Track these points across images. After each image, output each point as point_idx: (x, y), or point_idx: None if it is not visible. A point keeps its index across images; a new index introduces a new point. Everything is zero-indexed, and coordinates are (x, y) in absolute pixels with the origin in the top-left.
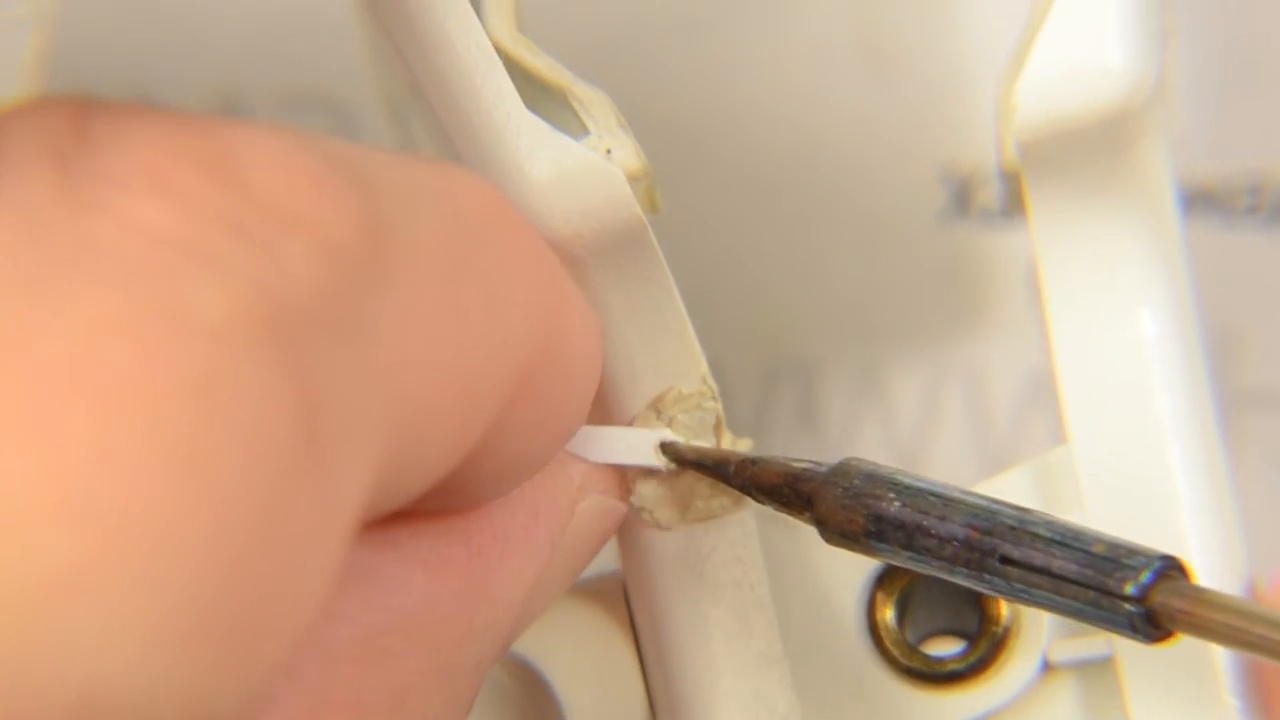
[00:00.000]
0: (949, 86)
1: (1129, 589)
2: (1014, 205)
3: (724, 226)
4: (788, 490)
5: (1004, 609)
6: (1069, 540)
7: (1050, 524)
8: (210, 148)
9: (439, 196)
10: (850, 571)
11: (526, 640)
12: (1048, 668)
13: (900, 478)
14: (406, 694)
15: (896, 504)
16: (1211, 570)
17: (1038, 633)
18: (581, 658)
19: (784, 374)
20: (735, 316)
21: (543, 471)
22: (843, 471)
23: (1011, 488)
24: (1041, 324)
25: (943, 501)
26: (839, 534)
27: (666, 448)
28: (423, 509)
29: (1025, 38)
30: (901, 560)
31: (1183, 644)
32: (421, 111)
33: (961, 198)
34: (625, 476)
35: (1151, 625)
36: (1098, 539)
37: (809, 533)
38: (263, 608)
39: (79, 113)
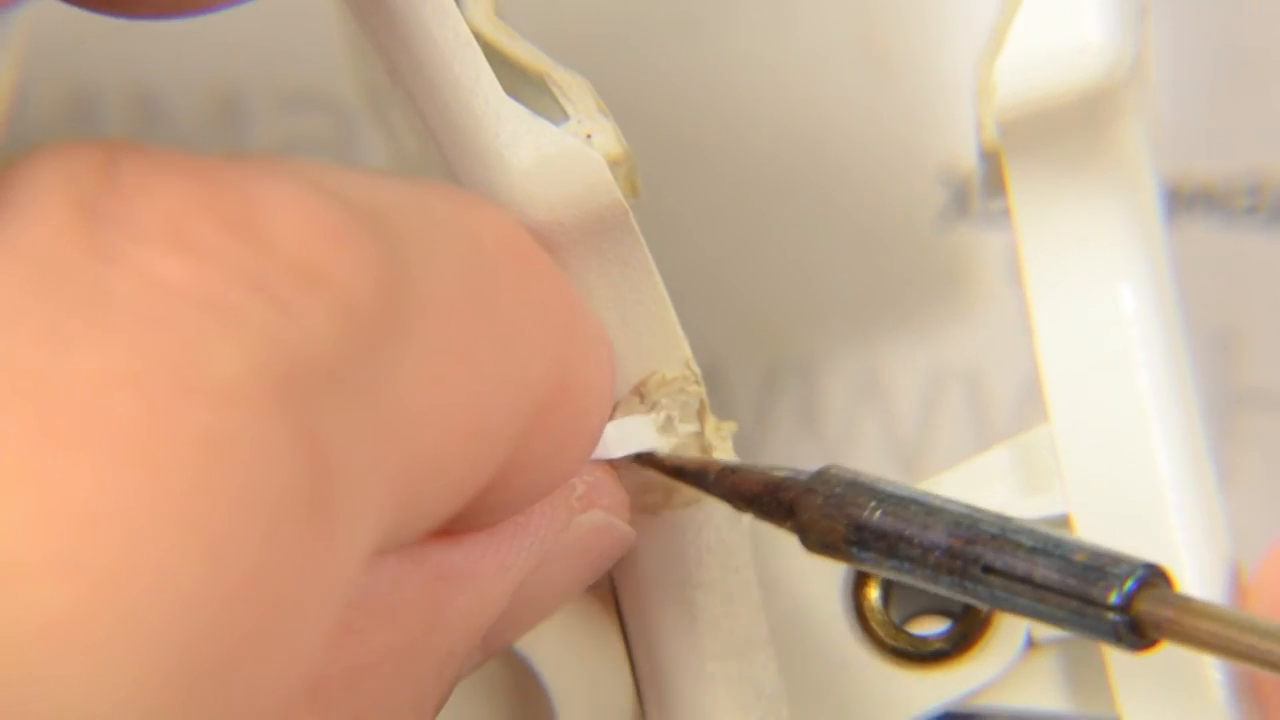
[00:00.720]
0: (949, 86)
1: (1112, 598)
2: (994, 186)
3: (724, 226)
4: (768, 499)
5: None
6: (1051, 549)
7: (1032, 533)
8: (234, 201)
9: (459, 236)
10: None
11: None
12: (1031, 645)
13: (881, 486)
14: (364, 672)
15: (878, 513)
16: (1194, 550)
17: None
18: (568, 644)
19: (784, 374)
20: (735, 316)
21: None
22: (823, 480)
23: (993, 466)
24: (1012, 323)
25: (925, 510)
26: (820, 543)
27: (645, 458)
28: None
29: (1003, 17)
30: (884, 569)
31: None
32: (401, 101)
33: (961, 198)
34: (635, 502)
35: (1135, 634)
36: (1079, 547)
37: None
38: (255, 663)
39: (108, 158)
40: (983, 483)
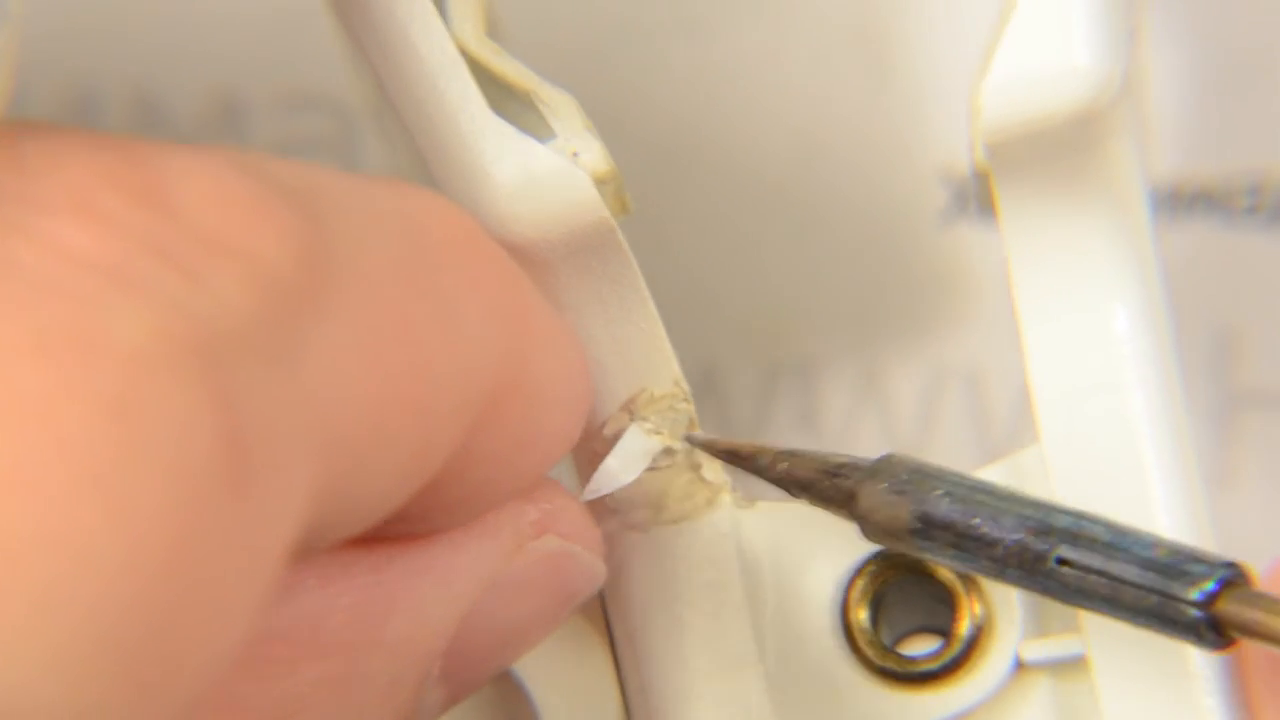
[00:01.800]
0: (949, 87)
1: (1194, 595)
2: (987, 204)
3: (723, 227)
4: (826, 484)
5: (977, 609)
6: (1128, 544)
7: (1109, 526)
8: (142, 173)
9: (396, 220)
10: (824, 572)
11: None
12: (1020, 667)
13: (948, 474)
14: (298, 703)
15: (946, 501)
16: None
17: (1010, 632)
18: (556, 660)
19: (784, 374)
20: (735, 316)
21: None
22: (885, 467)
23: None
24: (1012, 323)
25: (993, 500)
26: (882, 531)
27: (695, 438)
28: (386, 535)
29: (992, 38)
30: (946, 559)
31: (1157, 643)
32: (389, 115)
33: (961, 198)
34: (623, 520)
35: (1216, 633)
36: (1158, 542)
37: (783, 534)
38: (177, 635)
39: (11, 136)
40: None
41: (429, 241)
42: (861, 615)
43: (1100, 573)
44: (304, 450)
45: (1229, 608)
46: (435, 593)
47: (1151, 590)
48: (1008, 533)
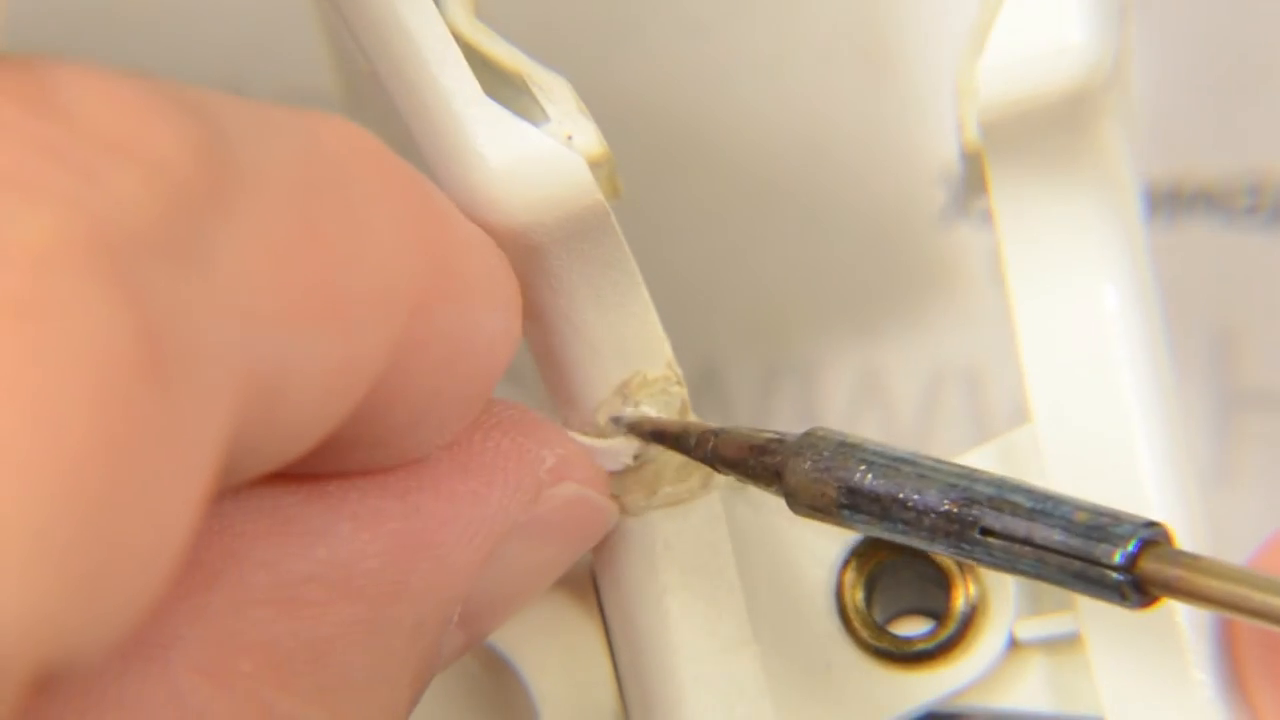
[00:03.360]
0: (949, 87)
1: (1116, 558)
2: (976, 186)
3: (724, 226)
4: (754, 462)
5: (971, 589)
6: (1050, 509)
7: (1030, 492)
8: (33, 82)
9: (295, 132)
10: (818, 553)
11: None
12: (1014, 646)
13: (871, 447)
14: (327, 645)
15: (869, 476)
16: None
17: (1004, 611)
18: (550, 645)
19: (784, 374)
20: (735, 316)
21: (507, 443)
22: (810, 442)
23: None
24: (1004, 301)
25: (918, 471)
26: (809, 507)
27: (622, 421)
28: (358, 465)
29: (984, 18)
30: (877, 531)
31: (1151, 620)
32: (380, 100)
33: (963, 200)
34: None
35: (1140, 593)
36: (1079, 507)
37: (777, 515)
38: (112, 533)
39: None
40: None
41: (332, 154)
42: (856, 596)
43: (1024, 540)
44: (220, 348)
45: (1150, 566)
46: (460, 541)
47: (1074, 555)
48: (932, 504)
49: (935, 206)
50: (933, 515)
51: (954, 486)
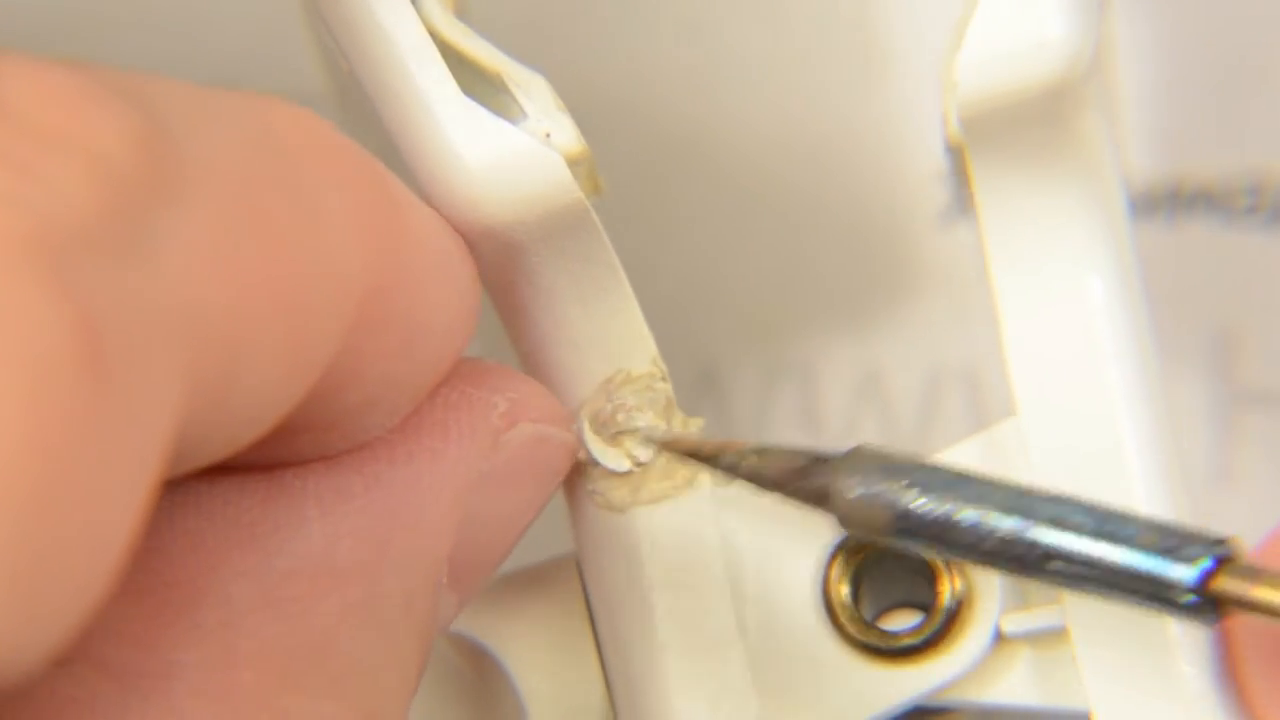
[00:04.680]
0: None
1: (1189, 579)
2: (961, 179)
3: (722, 227)
4: (796, 485)
5: (957, 583)
6: (1115, 530)
7: (1091, 512)
8: None
9: (243, 120)
10: (804, 550)
11: (480, 625)
12: (1000, 639)
13: (919, 467)
14: (324, 636)
15: (921, 500)
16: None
17: (990, 605)
18: (537, 641)
19: (784, 374)
20: (735, 316)
21: (455, 395)
22: (855, 465)
23: (961, 460)
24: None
25: (973, 493)
26: (863, 529)
27: (655, 436)
28: (312, 450)
29: (964, 13)
30: (934, 553)
31: (1136, 615)
32: (360, 99)
33: (961, 198)
34: (601, 500)
35: (1214, 611)
36: (1144, 527)
37: (763, 512)
38: (55, 531)
39: None
40: None
41: (280, 140)
42: (842, 591)
43: (1089, 563)
44: (166, 341)
45: (1226, 586)
46: (428, 502)
47: (1145, 577)
48: (991, 528)
49: (932, 206)
50: (992, 540)
51: (1011, 510)
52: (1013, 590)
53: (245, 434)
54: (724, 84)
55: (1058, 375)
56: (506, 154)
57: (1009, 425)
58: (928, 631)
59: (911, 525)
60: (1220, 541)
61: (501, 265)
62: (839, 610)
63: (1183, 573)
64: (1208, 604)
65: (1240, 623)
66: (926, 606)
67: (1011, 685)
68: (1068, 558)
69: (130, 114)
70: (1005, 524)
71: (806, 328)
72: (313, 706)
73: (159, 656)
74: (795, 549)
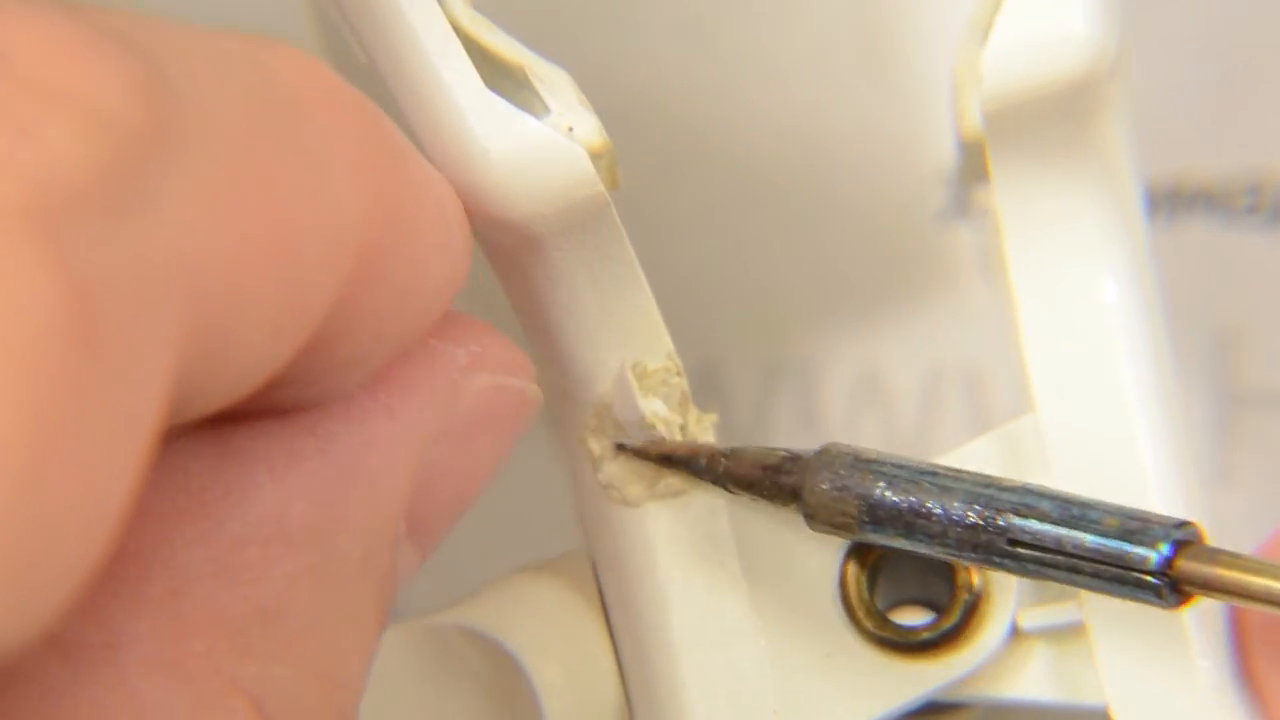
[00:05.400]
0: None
1: (1152, 561)
2: (972, 175)
3: (723, 224)
4: (769, 483)
5: (974, 578)
6: (1078, 515)
7: (1054, 499)
8: None
9: (247, 65)
10: (822, 543)
11: (495, 619)
12: (1017, 635)
13: (889, 460)
14: (278, 600)
15: (890, 492)
16: None
17: (1007, 600)
18: (552, 636)
19: (784, 374)
20: (735, 316)
21: (417, 347)
22: (826, 460)
23: (978, 456)
24: (1005, 292)
25: (939, 484)
26: (830, 524)
27: (630, 448)
28: (272, 404)
29: (987, 7)
30: (901, 544)
31: (1153, 610)
32: (375, 95)
33: (961, 198)
34: (616, 495)
35: (1177, 593)
36: (1108, 511)
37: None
38: (42, 515)
39: None
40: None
41: (283, 86)
42: (860, 585)
43: (1055, 549)
44: (162, 299)
45: (1188, 566)
46: (385, 460)
47: (1108, 562)
48: (957, 517)
49: (934, 204)
50: (959, 528)
51: (977, 496)
52: (1030, 586)
53: (239, 387)
54: (725, 86)
55: (1074, 371)
56: (530, 147)
57: (1026, 422)
58: (945, 626)
59: (878, 517)
60: (1182, 525)
61: (520, 258)
62: (856, 604)
63: (1146, 556)
64: (1170, 586)
65: (1251, 616)
66: (941, 603)
67: (1028, 680)
68: (1034, 544)
69: (131, 64)
70: (970, 514)
71: (806, 325)
72: (266, 671)
73: (107, 627)
74: (812, 543)
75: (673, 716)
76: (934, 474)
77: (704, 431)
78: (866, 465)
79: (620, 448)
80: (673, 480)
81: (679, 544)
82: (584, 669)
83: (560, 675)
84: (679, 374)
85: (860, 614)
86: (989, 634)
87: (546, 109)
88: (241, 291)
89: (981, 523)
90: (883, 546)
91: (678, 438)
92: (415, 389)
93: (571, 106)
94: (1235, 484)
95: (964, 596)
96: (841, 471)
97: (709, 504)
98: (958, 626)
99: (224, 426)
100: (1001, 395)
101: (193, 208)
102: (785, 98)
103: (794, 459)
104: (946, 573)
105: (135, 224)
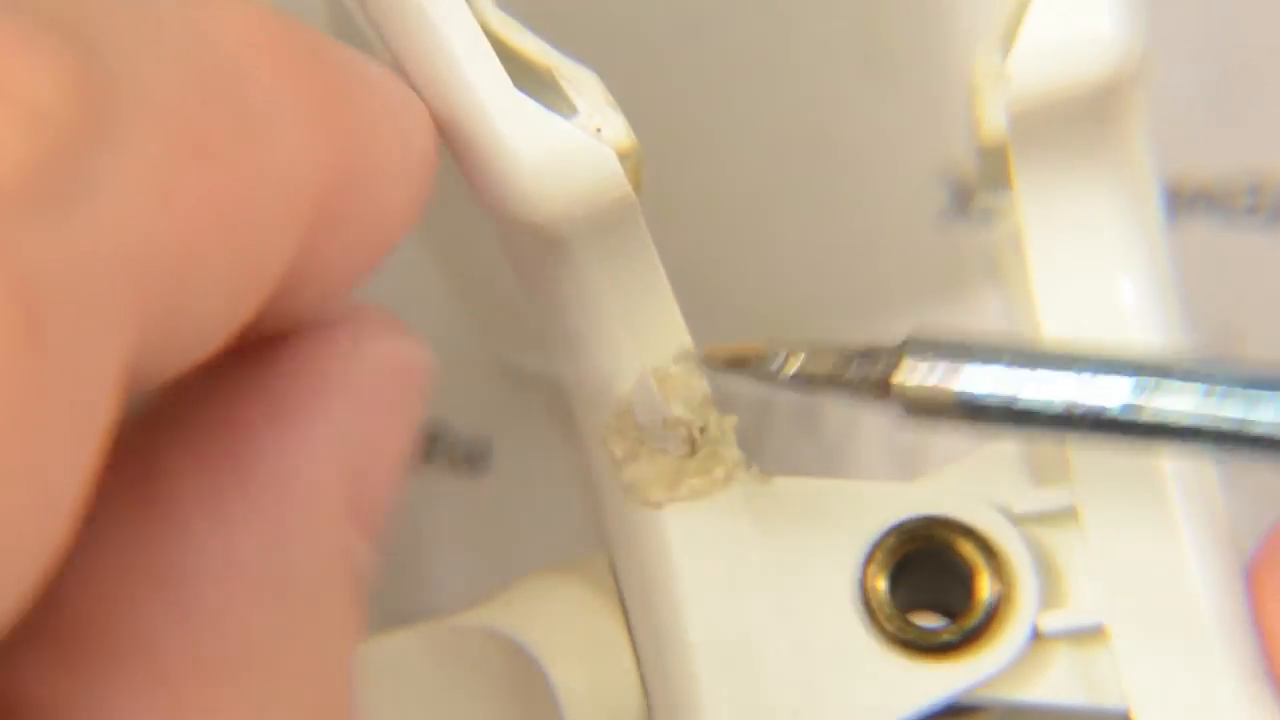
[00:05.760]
0: (949, 86)
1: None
2: (990, 180)
3: (723, 226)
4: (852, 375)
5: (995, 581)
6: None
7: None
8: None
9: (180, 31)
10: (842, 546)
11: (515, 620)
12: (1038, 637)
13: (980, 347)
14: (243, 637)
15: (986, 371)
16: (1198, 539)
17: (1028, 603)
18: (572, 636)
19: None
20: (735, 316)
21: (311, 343)
22: (915, 347)
23: (1000, 458)
24: (1026, 291)
25: (1035, 360)
26: (926, 410)
27: (694, 354)
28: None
29: (1011, 11)
30: (1003, 428)
31: (1177, 610)
32: None
33: (961, 198)
34: (639, 497)
35: None
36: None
37: (800, 508)
38: (2, 508)
39: None
40: (990, 474)
41: (222, 50)
42: (880, 587)
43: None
44: (109, 290)
45: None
46: (312, 474)
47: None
48: (1060, 400)
49: (937, 206)
50: (1060, 404)
51: (1087, 365)
52: (1050, 588)
53: (202, 350)
54: (726, 86)
55: None
56: (559, 149)
57: None
58: (965, 628)
59: (975, 405)
60: None
61: (544, 259)
62: (876, 606)
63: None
64: None
65: (1276, 618)
66: (958, 609)
67: (1049, 683)
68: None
69: (64, 55)
70: (1076, 386)
71: (807, 326)
72: (245, 711)
73: (83, 692)
74: (832, 546)
75: (693, 717)
76: (1029, 352)
77: (725, 434)
78: (956, 351)
79: (684, 356)
80: (694, 482)
81: (699, 545)
82: (604, 670)
83: (581, 676)
84: (700, 376)
85: (881, 616)
86: (1010, 636)
87: (574, 110)
88: (193, 268)
89: (1091, 396)
90: (900, 519)
91: (698, 440)
92: (321, 390)
93: (599, 107)
94: (1235, 484)
95: (985, 599)
96: (932, 360)
97: (730, 506)
98: (979, 628)
99: (144, 482)
100: None
101: (135, 194)
102: (786, 96)
103: (875, 352)
104: (966, 577)
105: (75, 214)
